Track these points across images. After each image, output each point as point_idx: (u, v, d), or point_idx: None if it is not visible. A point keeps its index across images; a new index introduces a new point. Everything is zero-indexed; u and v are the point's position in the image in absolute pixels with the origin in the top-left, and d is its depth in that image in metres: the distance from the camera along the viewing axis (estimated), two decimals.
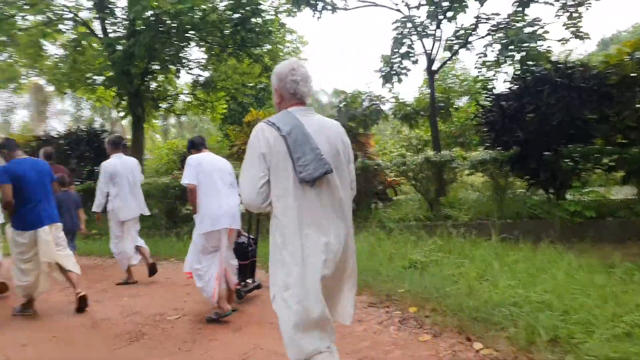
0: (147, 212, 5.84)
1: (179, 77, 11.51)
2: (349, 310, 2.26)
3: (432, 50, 8.92)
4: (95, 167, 11.21)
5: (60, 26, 10.59)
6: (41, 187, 4.41)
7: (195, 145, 4.32)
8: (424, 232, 6.81)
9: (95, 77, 11.32)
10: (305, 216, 2.04)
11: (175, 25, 9.75)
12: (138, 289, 5.49)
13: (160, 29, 9.74)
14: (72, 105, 24.65)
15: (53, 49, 11.62)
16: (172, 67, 11.15)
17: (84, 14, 10.95)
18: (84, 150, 10.60)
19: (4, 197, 4.22)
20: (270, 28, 10.25)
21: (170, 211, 9.01)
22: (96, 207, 5.51)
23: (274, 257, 2.13)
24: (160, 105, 12.31)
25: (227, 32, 10.25)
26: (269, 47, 11.19)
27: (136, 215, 5.67)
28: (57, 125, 24.54)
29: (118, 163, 5.54)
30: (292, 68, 2.20)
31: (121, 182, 5.49)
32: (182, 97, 12.77)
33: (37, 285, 4.41)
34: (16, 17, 10.41)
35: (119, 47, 9.85)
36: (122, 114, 12.86)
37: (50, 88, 14.54)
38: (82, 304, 4.47)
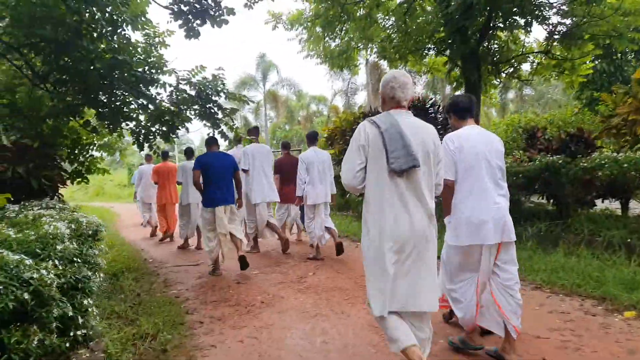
0: (329, 200, 6.88)
1: (530, 31, 9.25)
2: (430, 296, 2.62)
3: None
4: None
5: None
6: (222, 175, 6.00)
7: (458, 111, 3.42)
8: None
9: (425, 43, 10.38)
10: (391, 201, 2.56)
11: None
12: None
13: None
14: None
15: (383, 20, 11.36)
16: (520, 20, 9.02)
17: None
18: None
19: (193, 178, 6.09)
20: None
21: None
22: (298, 193, 6.92)
23: (364, 231, 2.72)
24: (501, 70, 10.37)
25: None
26: None
27: (323, 201, 6.76)
28: None
29: (312, 155, 6.85)
30: (394, 77, 2.74)
31: (312, 171, 6.74)
32: (530, 58, 10.41)
33: (218, 250, 6.11)
34: None
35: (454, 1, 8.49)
36: (454, 84, 11.67)
37: (384, 65, 14.94)
38: (243, 264, 5.97)
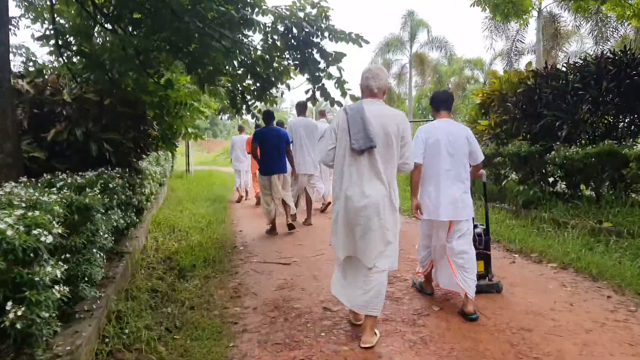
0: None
1: None
2: (373, 254, 3.19)
3: None
4: (626, 115, 7.41)
5: None
6: (276, 148, 6.90)
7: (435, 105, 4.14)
8: None
9: None
10: (352, 175, 3.17)
11: None
12: None
13: None
14: (595, 42, 20.33)
15: None
16: None
17: None
18: (607, 88, 6.96)
19: (251, 150, 7.31)
20: None
21: None
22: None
23: (333, 196, 3.37)
24: None
25: None
26: None
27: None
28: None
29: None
30: (369, 69, 3.34)
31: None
32: None
33: (274, 212, 7.07)
34: None
35: None
36: None
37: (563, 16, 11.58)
38: (290, 228, 7.13)
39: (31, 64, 8.43)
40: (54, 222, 2.23)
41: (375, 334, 3.25)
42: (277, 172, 6.91)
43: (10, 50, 6.67)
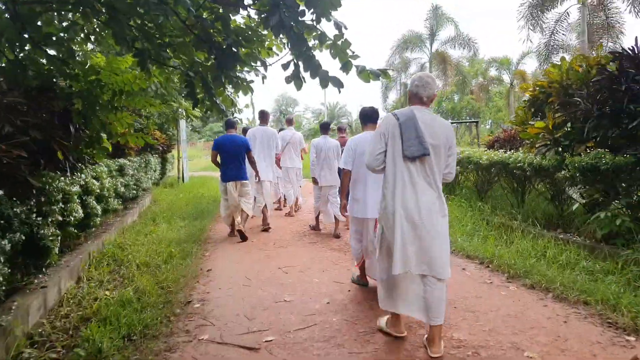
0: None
1: None
2: (439, 263, 3.10)
3: None
4: None
5: None
6: (234, 155, 7.04)
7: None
8: None
9: None
10: (404, 181, 3.10)
11: None
12: None
13: None
14: None
15: None
16: None
17: None
18: None
19: (212, 157, 7.25)
20: None
21: None
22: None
23: (382, 204, 3.26)
24: None
25: None
26: None
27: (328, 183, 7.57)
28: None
29: (322, 141, 7.81)
30: (419, 77, 3.27)
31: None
32: None
33: (231, 217, 7.18)
34: None
35: None
36: None
37: None
38: (241, 236, 6.93)
39: None
40: None
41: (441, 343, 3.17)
42: (233, 180, 7.08)
43: None
